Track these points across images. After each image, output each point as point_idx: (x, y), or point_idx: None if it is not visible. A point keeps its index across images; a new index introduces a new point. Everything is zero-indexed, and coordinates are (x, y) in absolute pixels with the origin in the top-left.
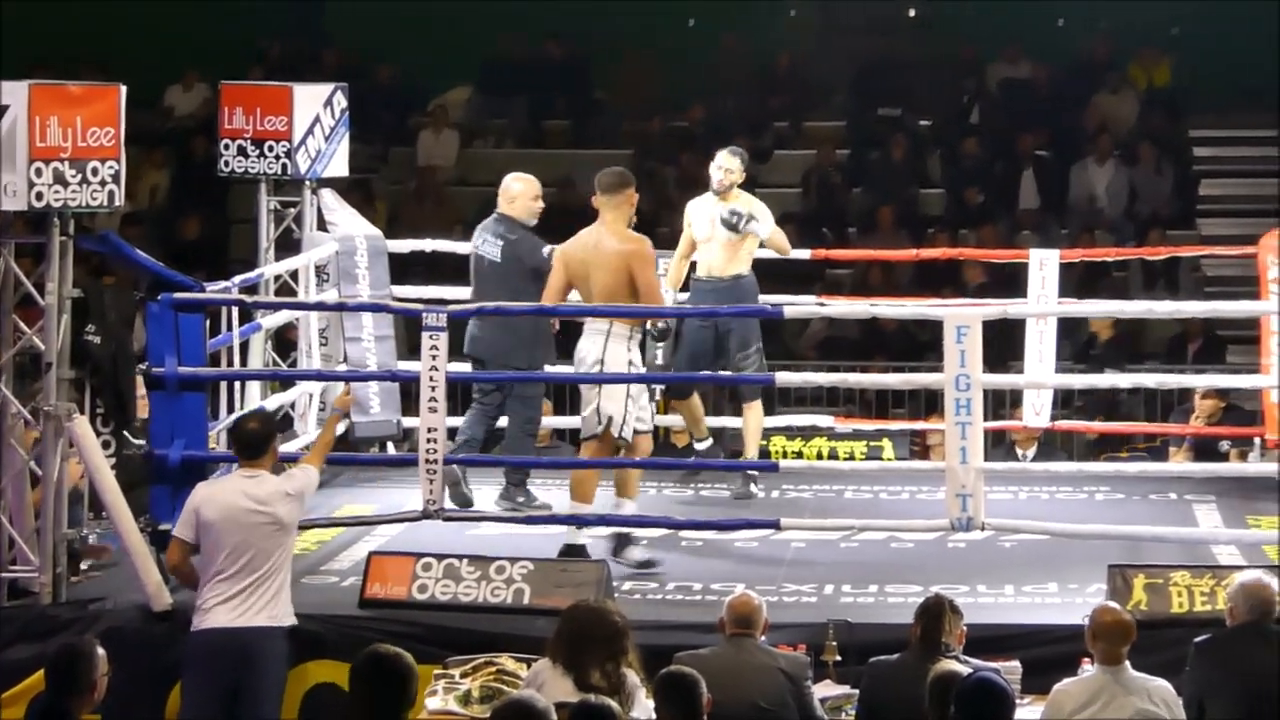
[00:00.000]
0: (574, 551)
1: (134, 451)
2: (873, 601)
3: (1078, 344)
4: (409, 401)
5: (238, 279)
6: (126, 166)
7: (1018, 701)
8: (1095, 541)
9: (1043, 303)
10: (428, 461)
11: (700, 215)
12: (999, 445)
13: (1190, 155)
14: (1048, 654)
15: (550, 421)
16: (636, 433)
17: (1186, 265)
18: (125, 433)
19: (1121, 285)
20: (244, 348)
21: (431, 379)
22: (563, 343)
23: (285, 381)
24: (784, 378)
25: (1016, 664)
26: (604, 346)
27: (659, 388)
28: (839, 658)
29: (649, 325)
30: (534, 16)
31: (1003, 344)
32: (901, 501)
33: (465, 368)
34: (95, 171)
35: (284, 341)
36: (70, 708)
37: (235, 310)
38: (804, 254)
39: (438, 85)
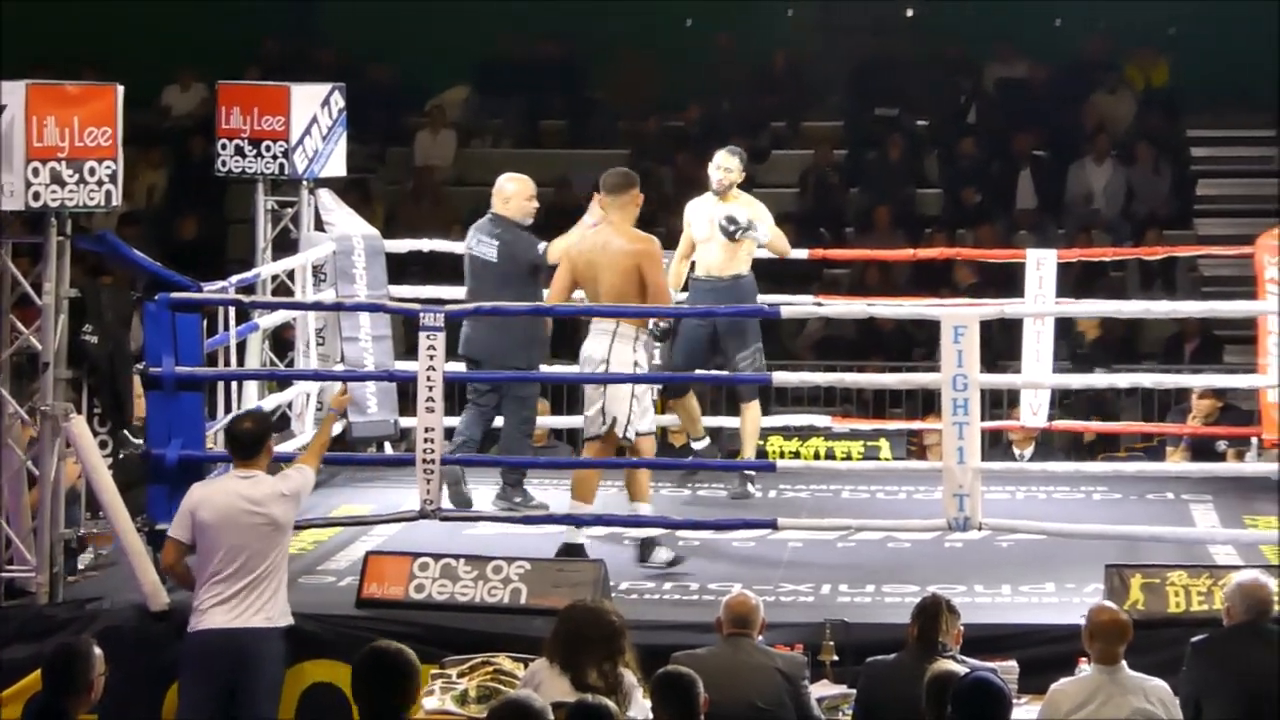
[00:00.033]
0: (572, 550)
1: (132, 451)
2: (870, 601)
3: (1071, 344)
4: (406, 401)
5: (235, 279)
6: (124, 166)
7: (1015, 701)
8: (1092, 541)
9: (1040, 303)
10: (425, 461)
11: (699, 215)
12: (996, 445)
13: (1187, 155)
14: (1045, 654)
15: (547, 421)
16: (639, 434)
17: (1184, 265)
18: (125, 432)
19: (1119, 285)
20: (241, 347)
21: (429, 379)
22: (558, 342)
23: (282, 381)
24: (781, 377)
25: (1013, 664)
26: (609, 347)
27: (657, 387)
28: (836, 657)
29: (650, 325)
30: (531, 16)
31: (1000, 344)
32: (899, 501)
33: (462, 368)
34: (92, 171)
35: (281, 341)
36: (67, 707)
37: (232, 310)
38: (801, 254)
39: (435, 85)
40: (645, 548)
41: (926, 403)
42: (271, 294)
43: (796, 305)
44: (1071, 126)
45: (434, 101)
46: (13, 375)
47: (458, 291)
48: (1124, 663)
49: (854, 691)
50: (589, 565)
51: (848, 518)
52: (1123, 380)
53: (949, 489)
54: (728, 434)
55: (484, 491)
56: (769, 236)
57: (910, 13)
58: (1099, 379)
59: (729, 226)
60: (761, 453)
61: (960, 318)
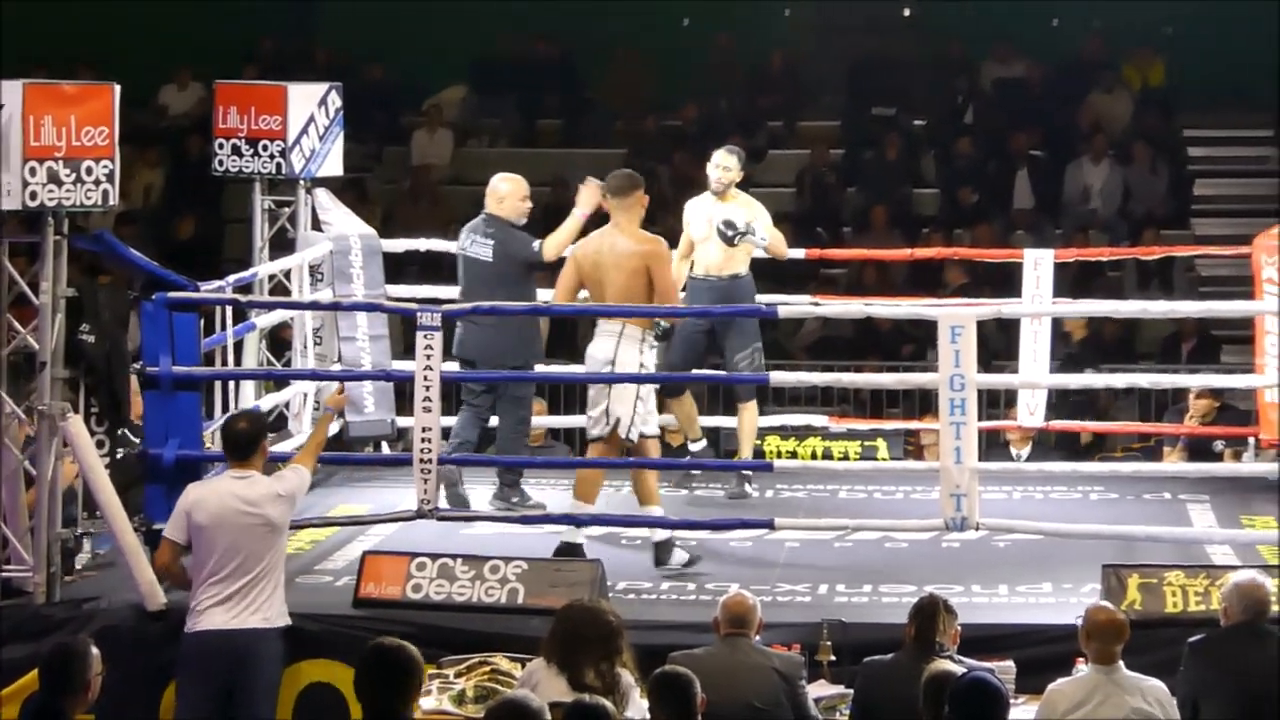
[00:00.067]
0: (571, 550)
1: (130, 450)
2: (867, 601)
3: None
4: (403, 401)
5: (232, 278)
6: (121, 165)
7: (1012, 701)
8: (1089, 541)
9: (1037, 303)
10: (422, 461)
11: (698, 215)
12: (993, 445)
13: (1185, 155)
14: (1042, 654)
15: (544, 421)
16: (643, 436)
17: (1181, 265)
18: (126, 431)
19: (1116, 285)
20: (238, 347)
21: (426, 378)
22: (555, 341)
23: (280, 381)
24: (778, 377)
25: (1011, 664)
26: (616, 348)
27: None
28: (833, 657)
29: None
30: (528, 16)
31: (997, 344)
32: (896, 501)
33: (457, 368)
34: (90, 171)
35: (278, 341)
36: (64, 707)
37: (230, 310)
38: (798, 254)
39: (432, 85)
40: (661, 550)
41: (924, 403)
42: (269, 293)
43: (794, 305)
44: (1068, 126)
45: (431, 101)
46: (10, 375)
47: (455, 291)
48: (1121, 663)
49: (851, 691)
50: (586, 565)
51: (845, 518)
52: (1120, 380)
53: (946, 489)
54: (725, 434)
55: (481, 492)
56: (769, 239)
57: (907, 12)
58: (1096, 379)
59: (727, 232)
60: (759, 453)
61: (957, 318)
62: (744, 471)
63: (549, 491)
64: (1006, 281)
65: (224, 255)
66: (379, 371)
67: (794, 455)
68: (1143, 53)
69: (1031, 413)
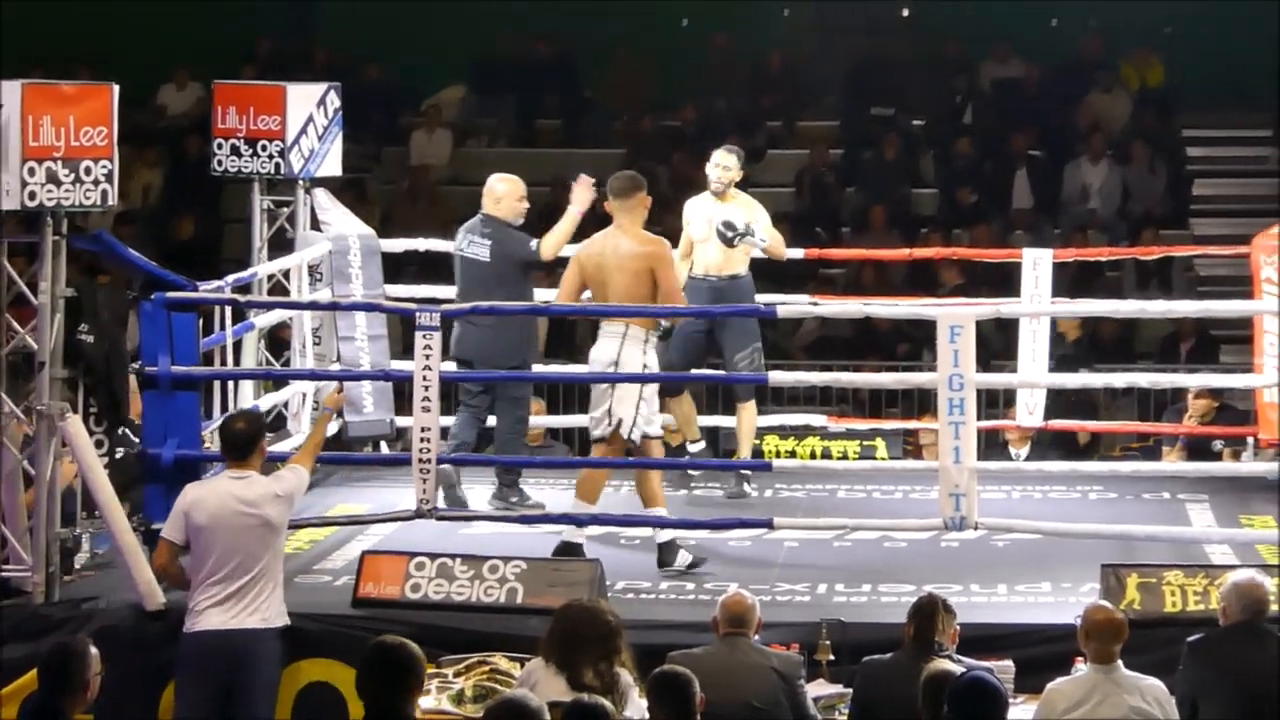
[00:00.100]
0: (570, 549)
1: (129, 450)
2: (866, 601)
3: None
4: (402, 401)
5: (231, 278)
6: (119, 166)
7: (1010, 701)
8: (1088, 541)
9: (1036, 302)
10: (421, 461)
11: (697, 215)
12: (992, 445)
13: (1183, 155)
14: (1041, 653)
15: (543, 420)
16: (646, 436)
17: (1180, 265)
18: (126, 431)
19: (1115, 285)
20: (237, 347)
21: (425, 378)
22: (554, 341)
23: (278, 381)
24: (777, 377)
25: (1009, 663)
26: (619, 349)
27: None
28: (832, 657)
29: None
30: (528, 16)
31: (996, 344)
32: (895, 501)
33: (456, 368)
34: (88, 171)
35: (277, 341)
36: (63, 707)
37: (228, 309)
38: (797, 253)
39: (431, 85)
40: (666, 551)
41: (922, 402)
42: (267, 293)
43: (793, 305)
44: (1067, 126)
45: (430, 101)
46: (9, 375)
47: (454, 291)
48: (1120, 662)
49: (850, 691)
50: (585, 565)
51: (844, 517)
52: (1119, 380)
53: (945, 488)
54: (724, 433)
55: (479, 492)
56: (768, 240)
57: (906, 13)
58: (1095, 379)
59: (727, 233)
60: (758, 452)
61: (956, 317)
62: (743, 471)
63: (548, 491)
64: (1005, 281)
65: (223, 255)
66: (378, 371)
67: (793, 455)
68: (1141, 53)
69: (1030, 412)
